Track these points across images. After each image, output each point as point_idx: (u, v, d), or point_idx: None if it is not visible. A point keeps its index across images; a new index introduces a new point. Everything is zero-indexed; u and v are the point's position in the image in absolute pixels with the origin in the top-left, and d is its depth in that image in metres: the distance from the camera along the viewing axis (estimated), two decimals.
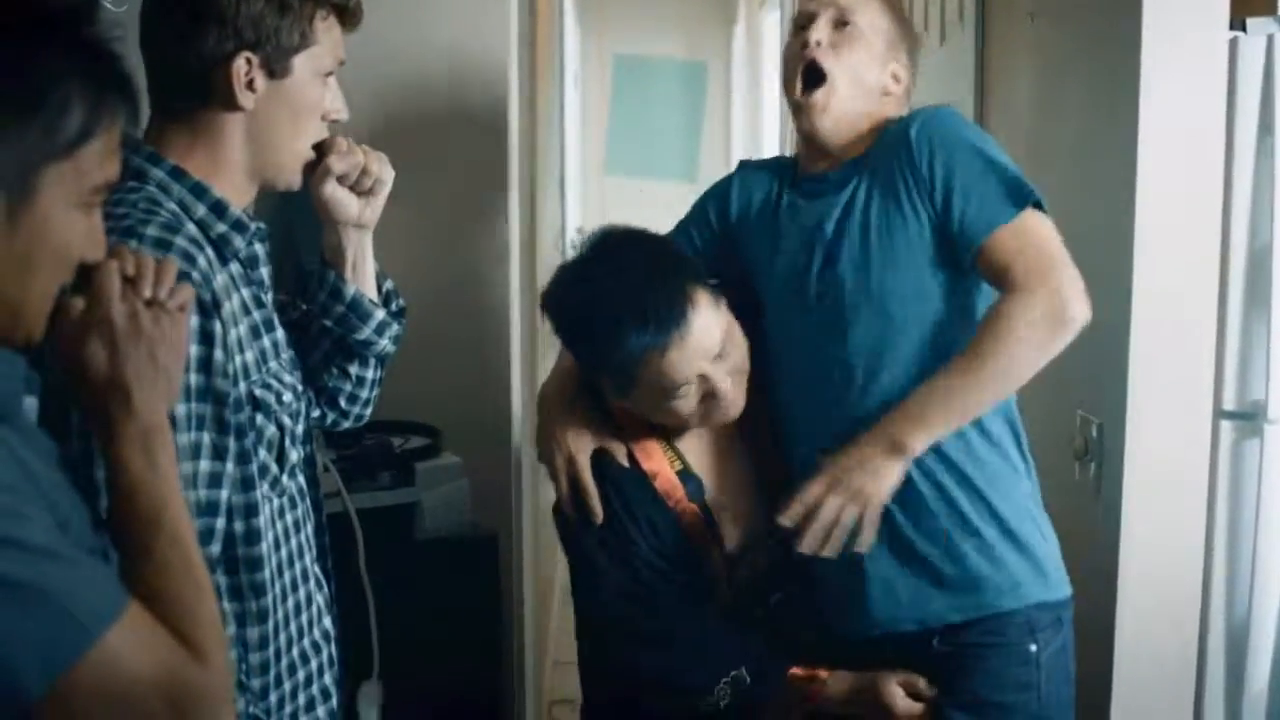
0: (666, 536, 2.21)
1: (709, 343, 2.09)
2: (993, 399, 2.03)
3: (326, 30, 1.72)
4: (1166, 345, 2.45)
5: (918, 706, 2.14)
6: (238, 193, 1.70)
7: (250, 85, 1.65)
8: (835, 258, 2.12)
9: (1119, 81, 2.45)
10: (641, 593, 2.19)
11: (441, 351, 2.90)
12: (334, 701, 1.83)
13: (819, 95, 2.16)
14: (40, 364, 1.34)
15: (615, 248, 2.19)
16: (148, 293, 1.34)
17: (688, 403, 2.14)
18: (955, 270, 2.09)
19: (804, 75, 2.18)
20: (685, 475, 2.23)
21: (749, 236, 2.29)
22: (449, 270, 2.94)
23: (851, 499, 2.00)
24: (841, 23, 2.19)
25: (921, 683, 2.14)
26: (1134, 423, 2.45)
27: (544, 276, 4.35)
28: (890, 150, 2.12)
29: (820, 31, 2.18)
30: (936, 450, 2.06)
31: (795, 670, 2.16)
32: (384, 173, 1.89)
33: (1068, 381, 2.75)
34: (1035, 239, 2.01)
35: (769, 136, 7.69)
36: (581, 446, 2.23)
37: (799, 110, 2.19)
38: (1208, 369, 2.47)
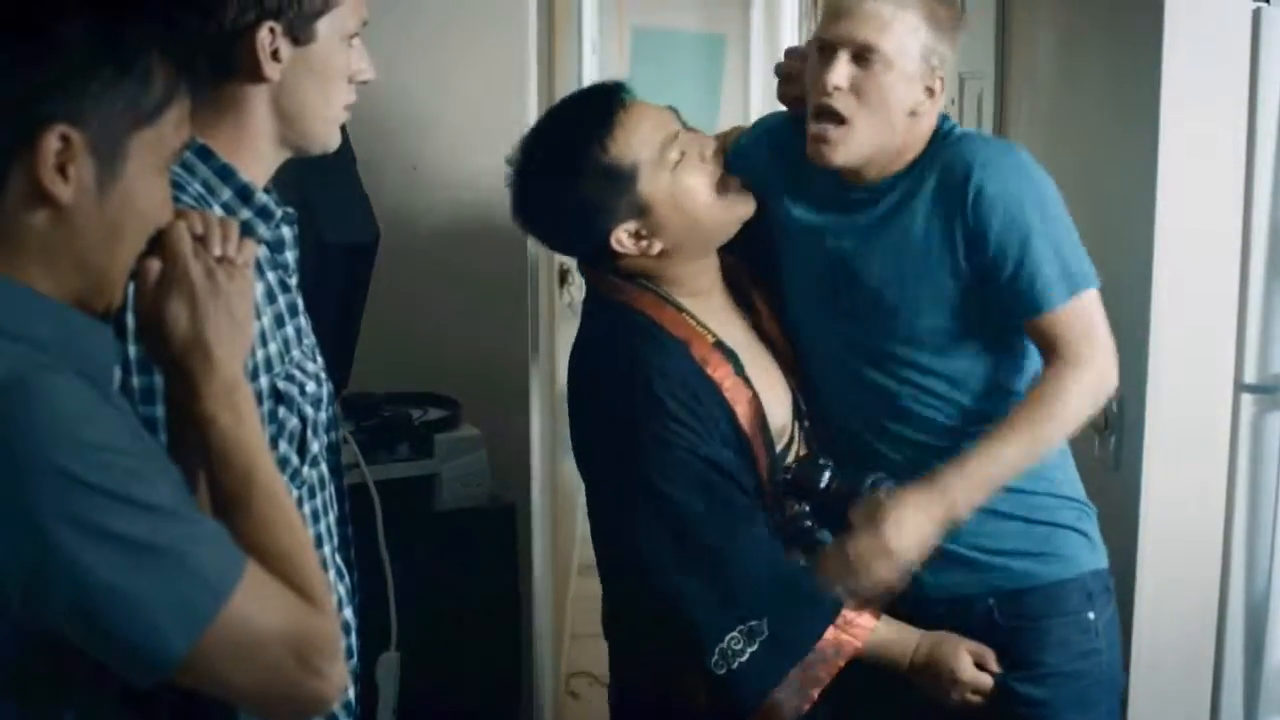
0: (711, 409, 2.08)
1: (660, 116, 2.11)
2: (1036, 461, 2.06)
3: None
4: (1187, 319, 2.44)
5: (986, 678, 2.08)
6: (264, 165, 1.65)
7: (275, 55, 1.58)
8: (858, 276, 2.10)
9: (1141, 53, 2.43)
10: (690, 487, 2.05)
11: (460, 324, 2.90)
12: (351, 693, 1.80)
13: (833, 133, 2.02)
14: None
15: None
16: (218, 250, 1.34)
17: (702, 175, 2.09)
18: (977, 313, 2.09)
19: (819, 113, 2.03)
20: (722, 347, 2.14)
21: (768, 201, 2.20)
22: (466, 243, 2.94)
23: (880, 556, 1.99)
24: (865, 55, 1.99)
25: (990, 656, 2.09)
26: (1154, 396, 2.45)
27: None
28: (946, 190, 2.04)
29: (839, 74, 1.99)
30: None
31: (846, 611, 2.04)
32: None
33: None
34: (1084, 320, 2.06)
35: None
36: None
37: (810, 140, 2.05)
38: (1228, 342, 2.46)
